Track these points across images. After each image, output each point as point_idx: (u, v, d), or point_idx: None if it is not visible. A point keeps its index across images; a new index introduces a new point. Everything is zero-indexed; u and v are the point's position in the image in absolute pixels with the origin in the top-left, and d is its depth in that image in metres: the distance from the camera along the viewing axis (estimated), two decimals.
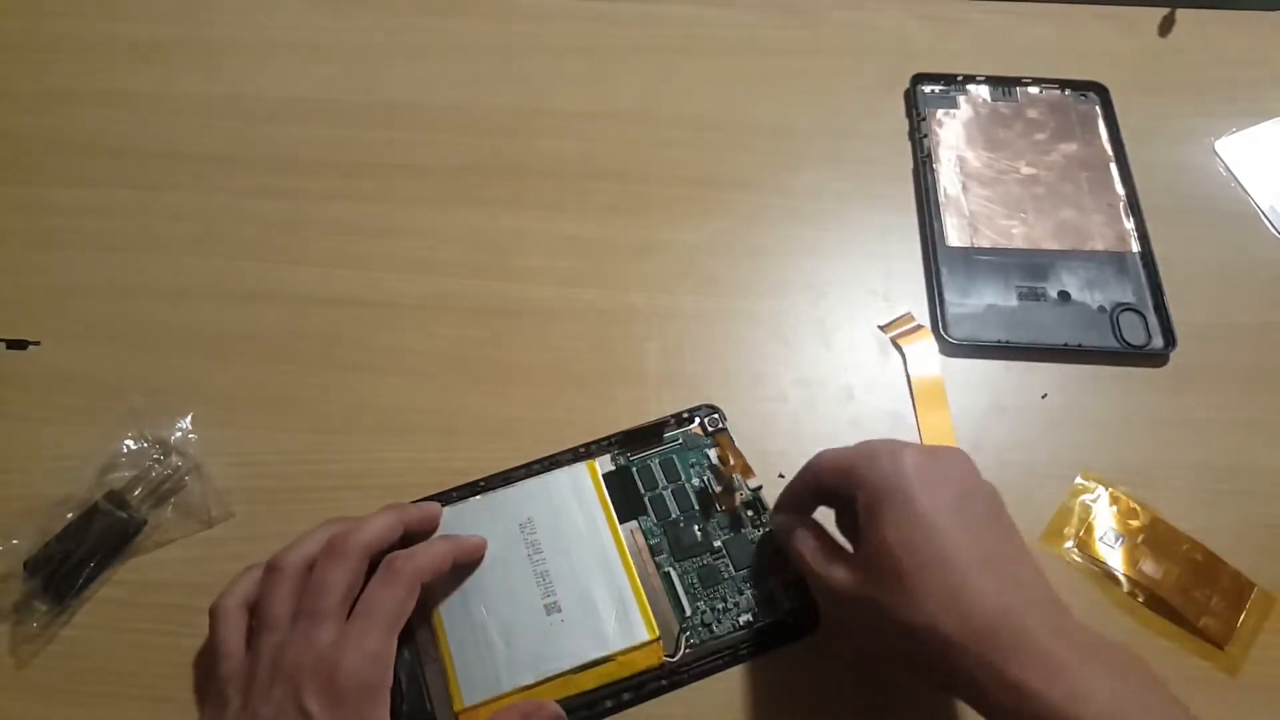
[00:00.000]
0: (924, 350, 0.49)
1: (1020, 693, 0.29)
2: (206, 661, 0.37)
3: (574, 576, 0.40)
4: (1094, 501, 0.44)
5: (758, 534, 0.43)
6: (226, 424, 0.46)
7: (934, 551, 0.32)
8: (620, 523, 0.42)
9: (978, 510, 0.34)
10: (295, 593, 0.36)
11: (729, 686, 0.40)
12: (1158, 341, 0.49)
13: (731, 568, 0.42)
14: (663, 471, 0.44)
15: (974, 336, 0.49)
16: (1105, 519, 0.44)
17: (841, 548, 0.37)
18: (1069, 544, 0.43)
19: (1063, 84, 0.59)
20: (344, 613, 0.35)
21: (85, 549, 0.41)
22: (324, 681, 0.33)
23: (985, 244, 0.53)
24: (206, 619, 0.37)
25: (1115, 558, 0.43)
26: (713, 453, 0.45)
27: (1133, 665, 0.31)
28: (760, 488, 0.44)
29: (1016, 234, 0.53)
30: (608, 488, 0.43)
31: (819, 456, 0.38)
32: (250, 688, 0.34)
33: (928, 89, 0.59)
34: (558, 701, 0.38)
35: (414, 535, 0.40)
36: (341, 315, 0.50)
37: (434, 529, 0.41)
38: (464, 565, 0.40)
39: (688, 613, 0.40)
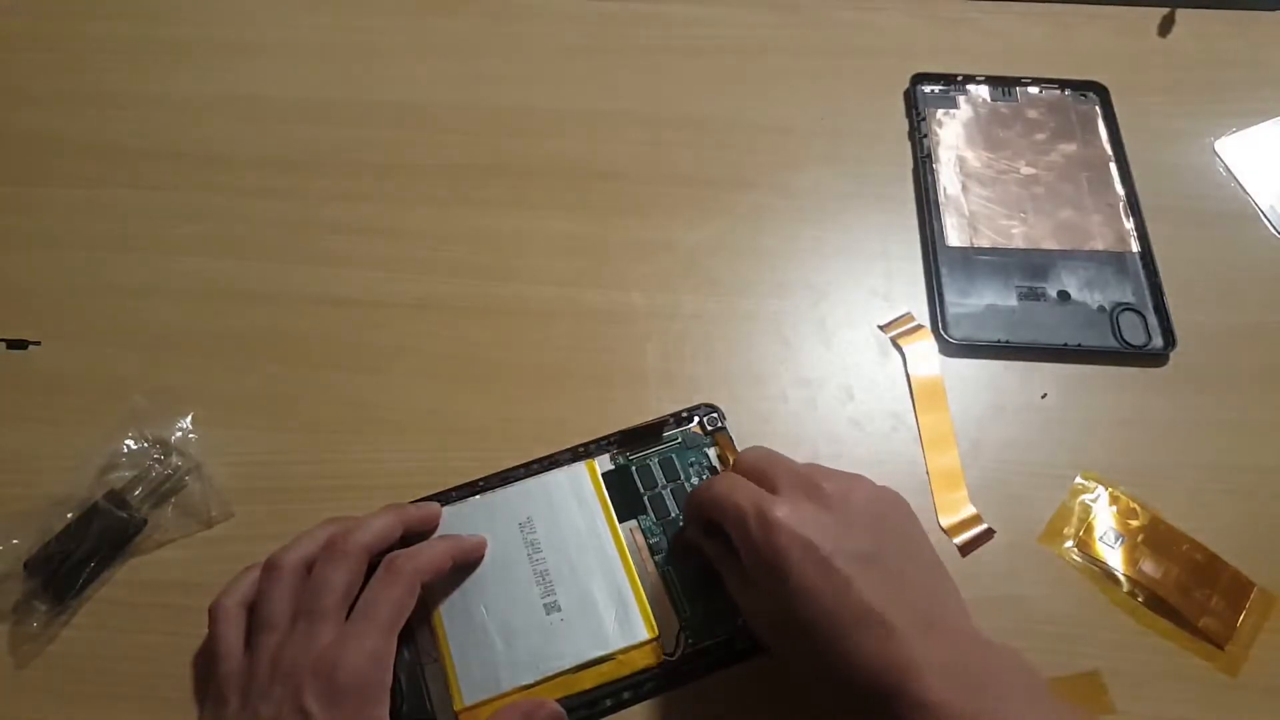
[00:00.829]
0: (924, 350, 0.49)
1: None
2: (205, 661, 0.37)
3: (574, 576, 0.40)
4: (1094, 501, 0.44)
5: None
6: (226, 424, 0.46)
7: (806, 621, 0.32)
8: (620, 522, 0.42)
9: (857, 564, 0.33)
10: (294, 592, 0.36)
11: (729, 685, 0.40)
12: (1158, 341, 0.49)
13: None
14: (662, 471, 0.44)
15: (974, 336, 0.49)
16: (1105, 519, 0.44)
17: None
18: (1069, 544, 0.43)
19: (1062, 84, 0.59)
20: (343, 612, 0.35)
21: (85, 549, 0.41)
22: (324, 681, 0.33)
23: (985, 244, 0.53)
24: (206, 619, 0.37)
25: (1115, 557, 0.43)
26: (712, 452, 0.45)
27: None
28: None
29: (1016, 234, 0.53)
30: (607, 487, 0.43)
31: (692, 496, 0.39)
32: (249, 687, 0.34)
33: (928, 89, 0.59)
34: (558, 701, 0.38)
35: (414, 535, 0.40)
36: (341, 315, 0.50)
37: (434, 529, 0.41)
38: (464, 565, 0.40)
39: (687, 612, 0.40)
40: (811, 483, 0.35)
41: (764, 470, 0.37)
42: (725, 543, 0.37)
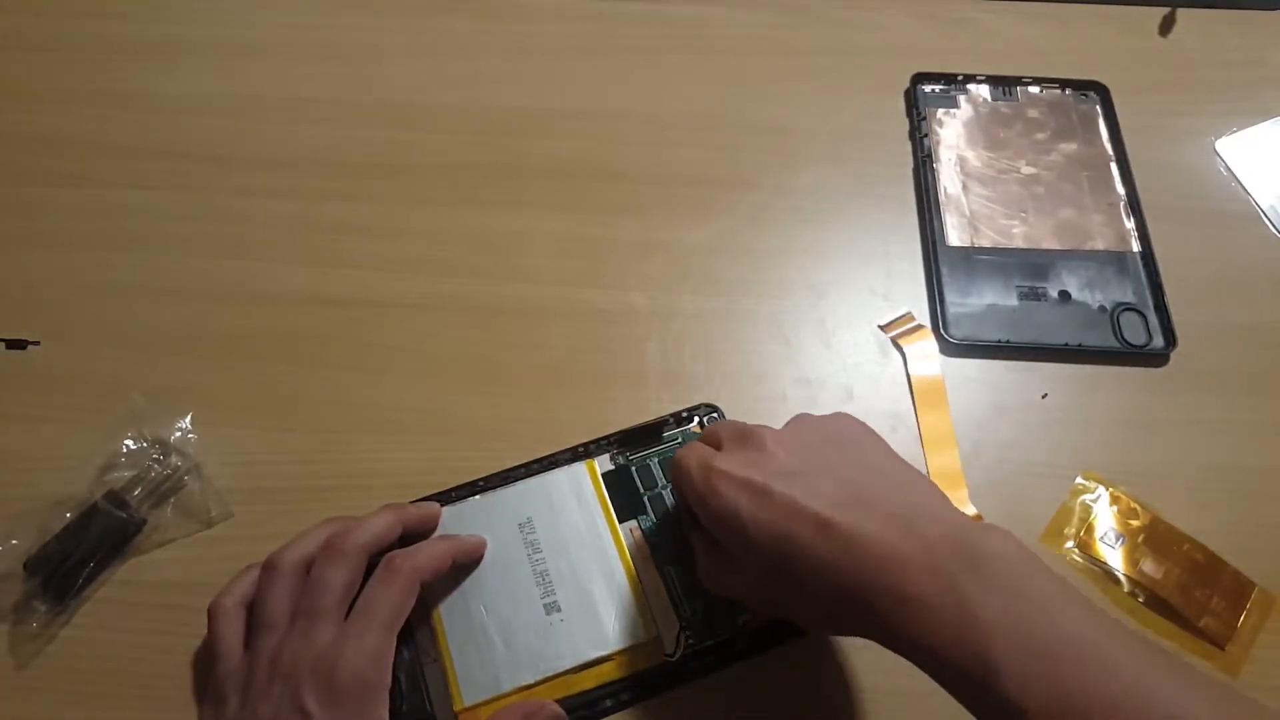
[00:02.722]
0: (924, 350, 0.49)
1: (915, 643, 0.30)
2: (205, 661, 0.37)
3: (573, 576, 0.40)
4: (1094, 501, 0.44)
5: None
6: (226, 424, 0.46)
7: (776, 557, 0.32)
8: (620, 522, 0.42)
9: (799, 482, 0.33)
10: (293, 592, 0.36)
11: (728, 685, 0.40)
12: (1158, 341, 0.49)
13: None
14: (662, 471, 0.44)
15: (974, 336, 0.49)
16: (1106, 519, 0.44)
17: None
18: (1069, 544, 0.43)
19: (1063, 84, 0.59)
20: (342, 612, 0.35)
21: (85, 549, 0.41)
22: (322, 680, 0.33)
23: (985, 243, 0.53)
24: (205, 619, 0.37)
25: (1116, 558, 0.43)
26: None
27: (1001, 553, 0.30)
28: None
29: (1017, 233, 0.53)
30: (607, 487, 0.43)
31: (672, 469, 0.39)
32: (249, 687, 0.34)
33: (928, 88, 0.59)
34: (557, 701, 0.38)
35: (413, 535, 0.40)
36: (341, 315, 0.50)
37: (433, 529, 0.41)
38: (464, 565, 0.40)
39: (687, 612, 0.40)
40: (755, 433, 0.36)
41: (713, 432, 0.38)
42: (701, 530, 0.37)
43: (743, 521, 0.33)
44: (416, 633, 0.39)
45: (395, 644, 0.35)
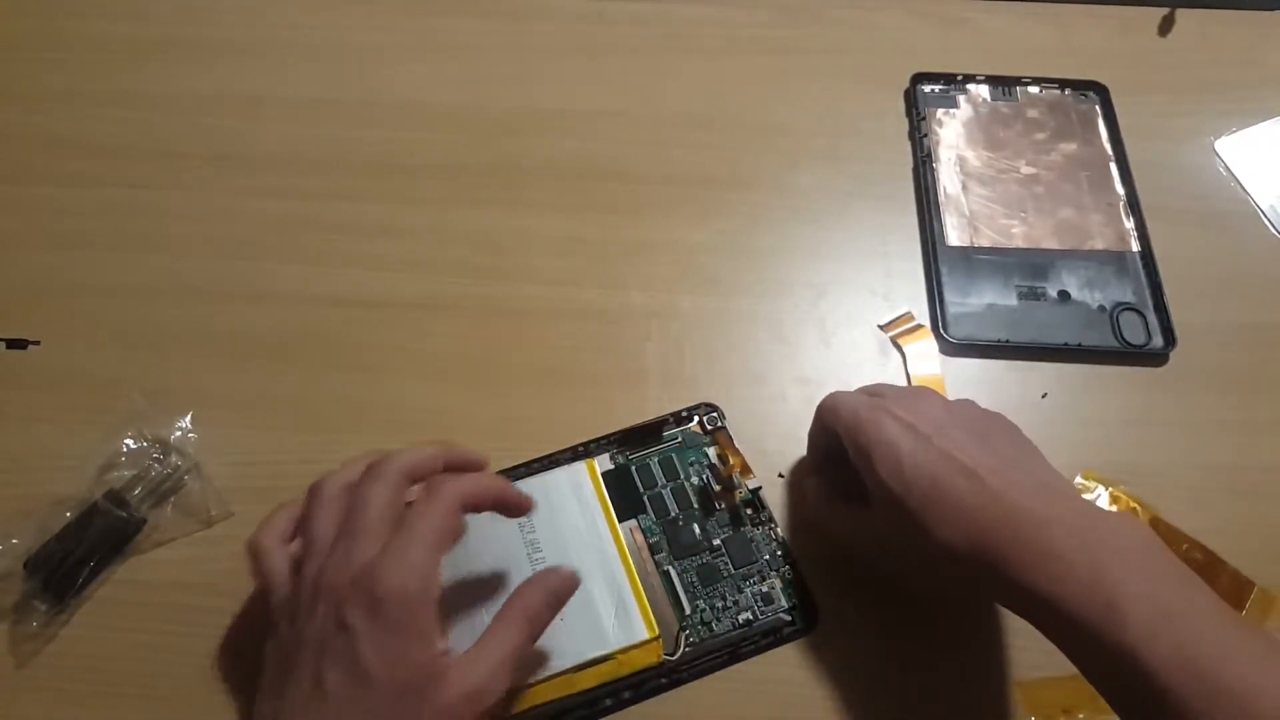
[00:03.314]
0: (924, 350, 0.49)
1: (1048, 597, 0.31)
2: (260, 599, 0.37)
3: None
4: (1094, 501, 0.44)
5: (757, 532, 0.43)
6: (226, 424, 0.46)
7: (927, 486, 0.35)
8: (619, 521, 0.42)
9: (959, 436, 0.36)
10: (337, 515, 0.35)
11: (729, 685, 0.40)
12: (1158, 341, 0.49)
13: (731, 566, 0.42)
14: (661, 470, 0.44)
15: (974, 336, 0.49)
16: None
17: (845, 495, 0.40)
18: None
19: (1062, 84, 0.59)
20: (384, 531, 0.34)
21: (85, 548, 0.41)
22: (364, 594, 0.32)
23: (985, 243, 0.53)
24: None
25: None
26: (712, 451, 0.45)
27: (1142, 546, 0.33)
28: (759, 487, 0.44)
29: (1016, 233, 0.53)
30: (607, 486, 0.43)
31: (818, 409, 0.42)
32: (296, 611, 0.33)
33: (928, 88, 0.59)
34: (557, 701, 0.38)
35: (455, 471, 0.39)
36: (341, 315, 0.50)
37: (478, 470, 0.40)
38: (503, 509, 0.38)
39: (687, 611, 0.40)
40: (924, 392, 0.40)
41: (879, 389, 0.41)
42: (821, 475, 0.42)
43: (900, 456, 0.35)
44: None
45: (440, 563, 0.33)
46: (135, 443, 0.45)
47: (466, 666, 0.33)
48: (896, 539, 0.37)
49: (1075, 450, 0.46)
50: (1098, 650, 0.30)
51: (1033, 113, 0.58)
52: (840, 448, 0.39)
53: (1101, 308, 0.50)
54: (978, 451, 0.35)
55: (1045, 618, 0.32)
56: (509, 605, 0.35)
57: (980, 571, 0.33)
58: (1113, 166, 0.56)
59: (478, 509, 0.36)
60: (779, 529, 0.43)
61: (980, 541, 0.33)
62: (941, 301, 0.50)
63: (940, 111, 0.58)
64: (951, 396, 0.47)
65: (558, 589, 0.36)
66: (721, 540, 0.42)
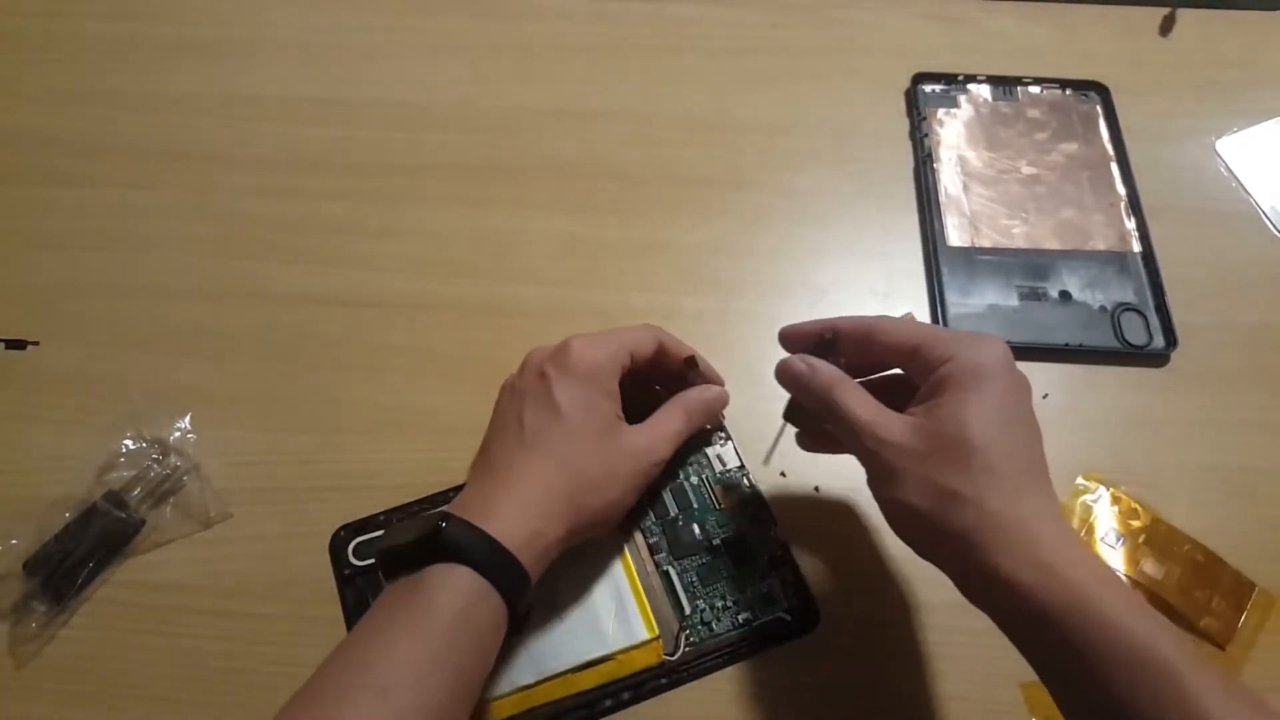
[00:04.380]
0: None
1: (1049, 570, 0.31)
2: None
3: (573, 575, 0.40)
4: (1095, 502, 0.44)
5: (757, 532, 0.43)
6: (226, 424, 0.46)
7: (1006, 445, 0.34)
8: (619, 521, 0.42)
9: (1030, 428, 0.35)
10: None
11: (729, 685, 0.40)
12: (1159, 341, 0.49)
13: (731, 566, 0.42)
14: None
15: None
16: (1106, 519, 0.44)
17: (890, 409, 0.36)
18: None
19: (1063, 84, 0.59)
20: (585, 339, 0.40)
21: (84, 549, 0.41)
22: (559, 357, 0.39)
23: (986, 244, 0.53)
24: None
25: (1116, 558, 0.43)
26: (712, 451, 0.45)
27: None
28: (759, 487, 0.44)
29: (1017, 234, 0.53)
30: None
31: (877, 324, 0.38)
32: (514, 380, 0.40)
33: (928, 88, 0.59)
34: (557, 701, 0.38)
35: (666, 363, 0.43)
36: (341, 315, 0.50)
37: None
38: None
39: (687, 611, 0.40)
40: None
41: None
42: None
43: (997, 384, 0.34)
44: None
45: (619, 371, 0.39)
46: (134, 443, 0.45)
47: (640, 428, 0.40)
48: (930, 468, 0.34)
49: (1076, 451, 0.46)
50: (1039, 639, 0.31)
51: (1034, 113, 0.58)
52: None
53: (1103, 308, 0.50)
54: (1032, 447, 0.35)
55: (998, 609, 0.33)
56: (673, 401, 0.42)
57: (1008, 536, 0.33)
58: (1114, 167, 0.55)
59: (665, 350, 0.42)
60: (779, 529, 0.43)
61: (1017, 518, 0.33)
62: (942, 302, 0.50)
63: (941, 111, 0.58)
64: None
65: (712, 401, 0.43)
66: (721, 540, 0.42)
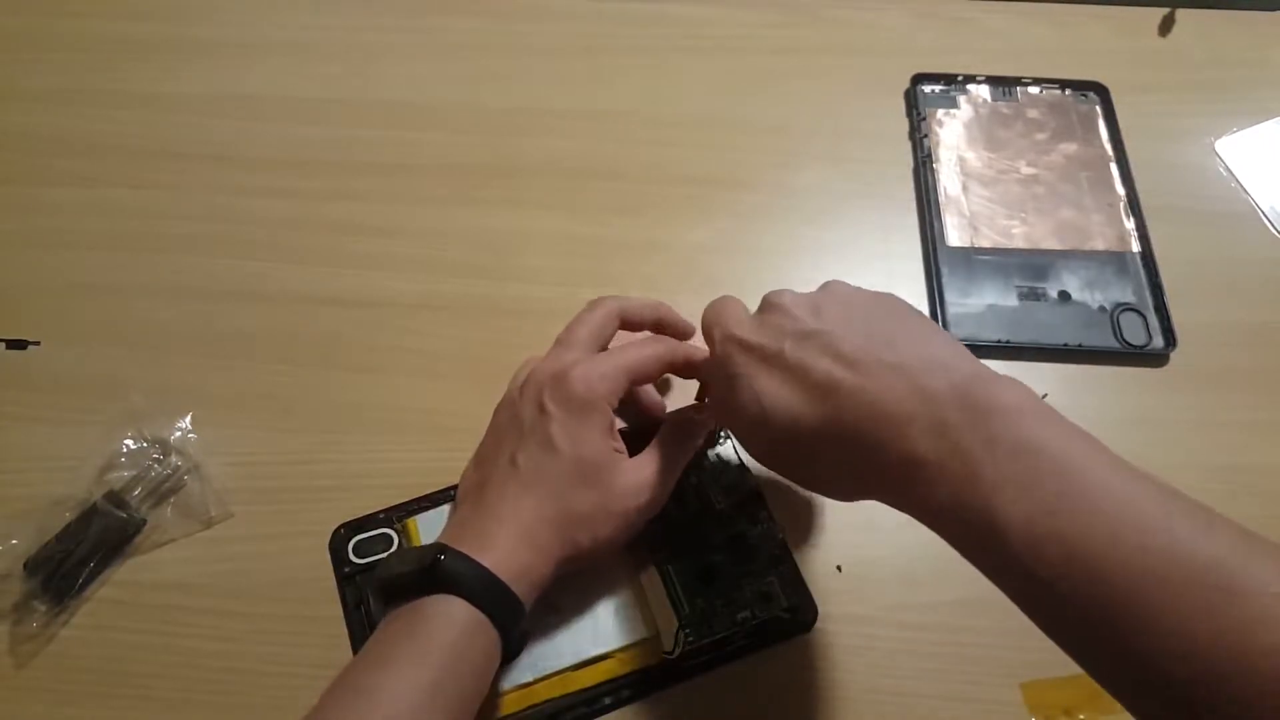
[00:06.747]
0: None
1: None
2: None
3: (573, 574, 0.40)
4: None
5: (757, 531, 0.43)
6: (226, 424, 0.46)
7: (789, 420, 0.32)
8: None
9: (817, 340, 0.33)
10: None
11: (728, 683, 0.40)
12: (1158, 341, 0.49)
13: (730, 564, 0.42)
14: None
15: (974, 336, 0.49)
16: None
17: None
18: None
19: (1063, 84, 0.59)
20: (589, 347, 0.41)
21: (85, 549, 0.41)
22: (558, 386, 0.38)
23: (986, 244, 0.53)
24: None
25: None
26: (712, 452, 0.45)
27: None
28: (759, 486, 0.44)
29: (1017, 234, 0.53)
30: None
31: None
32: (514, 400, 0.40)
33: (928, 89, 0.59)
34: (557, 699, 0.38)
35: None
36: (341, 315, 0.50)
37: (682, 335, 0.45)
38: (683, 372, 0.43)
39: (686, 609, 0.40)
40: (776, 298, 0.37)
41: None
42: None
43: (760, 402, 0.33)
44: None
45: (626, 386, 0.39)
46: (135, 443, 0.45)
47: (636, 462, 0.39)
48: (794, 469, 0.35)
49: None
50: (995, 563, 0.28)
51: (1033, 113, 0.58)
52: None
53: (1102, 308, 0.50)
54: (837, 342, 0.32)
55: (946, 533, 0.30)
56: (665, 430, 0.41)
57: (874, 490, 0.32)
58: (1113, 167, 0.56)
59: (671, 367, 0.42)
60: (779, 528, 0.43)
61: (858, 461, 0.31)
62: (942, 302, 0.50)
63: (940, 112, 0.58)
64: None
65: (693, 427, 0.42)
66: (721, 539, 0.42)
